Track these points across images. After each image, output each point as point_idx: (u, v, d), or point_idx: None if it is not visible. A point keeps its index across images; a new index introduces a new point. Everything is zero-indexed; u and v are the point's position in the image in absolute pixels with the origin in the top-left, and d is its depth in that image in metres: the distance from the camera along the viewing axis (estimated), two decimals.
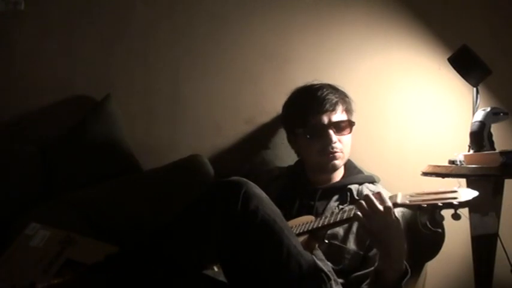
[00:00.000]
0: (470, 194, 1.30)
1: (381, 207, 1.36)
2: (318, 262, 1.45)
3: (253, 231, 1.35)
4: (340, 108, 1.72)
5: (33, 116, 2.28)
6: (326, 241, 1.56)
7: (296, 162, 1.86)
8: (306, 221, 1.54)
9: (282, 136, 1.97)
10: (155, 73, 2.30)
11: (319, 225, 1.49)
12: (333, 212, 1.51)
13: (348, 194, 1.69)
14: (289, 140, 1.82)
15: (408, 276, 1.41)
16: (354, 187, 1.71)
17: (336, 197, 1.70)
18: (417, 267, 1.72)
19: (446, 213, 1.31)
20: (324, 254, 1.55)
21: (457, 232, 1.79)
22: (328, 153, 1.68)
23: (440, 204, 1.30)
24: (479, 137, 1.72)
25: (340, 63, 2.21)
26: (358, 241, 1.60)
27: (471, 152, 1.75)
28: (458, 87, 2.04)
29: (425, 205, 1.31)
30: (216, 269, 1.48)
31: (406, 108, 2.19)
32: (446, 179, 1.68)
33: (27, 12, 2.28)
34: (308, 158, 1.76)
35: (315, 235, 1.50)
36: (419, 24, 2.16)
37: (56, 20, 2.30)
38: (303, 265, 1.36)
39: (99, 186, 2.06)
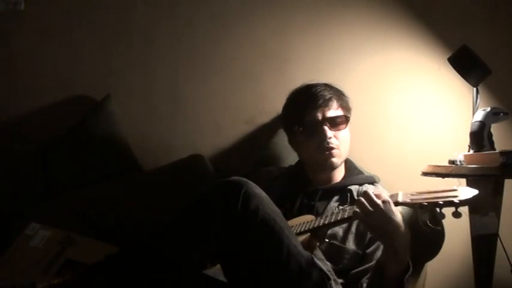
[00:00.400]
0: (471, 192, 1.30)
1: (379, 202, 1.36)
2: (318, 262, 1.45)
3: (253, 231, 1.35)
4: (334, 103, 1.72)
5: (33, 116, 2.28)
6: (327, 240, 1.56)
7: (297, 163, 1.86)
8: (306, 220, 1.54)
9: (282, 136, 1.97)
10: (155, 73, 2.30)
11: (320, 224, 1.49)
12: (333, 212, 1.51)
13: (348, 194, 1.69)
14: (290, 141, 1.82)
15: (410, 272, 1.40)
16: (354, 188, 1.71)
17: (336, 198, 1.70)
18: (417, 266, 1.72)
19: (447, 211, 1.31)
20: (324, 254, 1.55)
21: (457, 232, 1.79)
22: (324, 149, 1.68)
23: (441, 203, 1.30)
24: (479, 137, 1.72)
25: (340, 63, 2.20)
26: (358, 241, 1.60)
27: (471, 152, 1.75)
28: (458, 87, 2.03)
29: (426, 203, 1.32)
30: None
31: (406, 108, 2.18)
32: (446, 179, 1.68)
33: (27, 12, 2.28)
34: (307, 156, 1.76)
35: (315, 234, 1.50)
36: (419, 24, 2.16)
37: (56, 20, 2.30)
38: (303, 265, 1.36)
39: (99, 186, 2.06)
